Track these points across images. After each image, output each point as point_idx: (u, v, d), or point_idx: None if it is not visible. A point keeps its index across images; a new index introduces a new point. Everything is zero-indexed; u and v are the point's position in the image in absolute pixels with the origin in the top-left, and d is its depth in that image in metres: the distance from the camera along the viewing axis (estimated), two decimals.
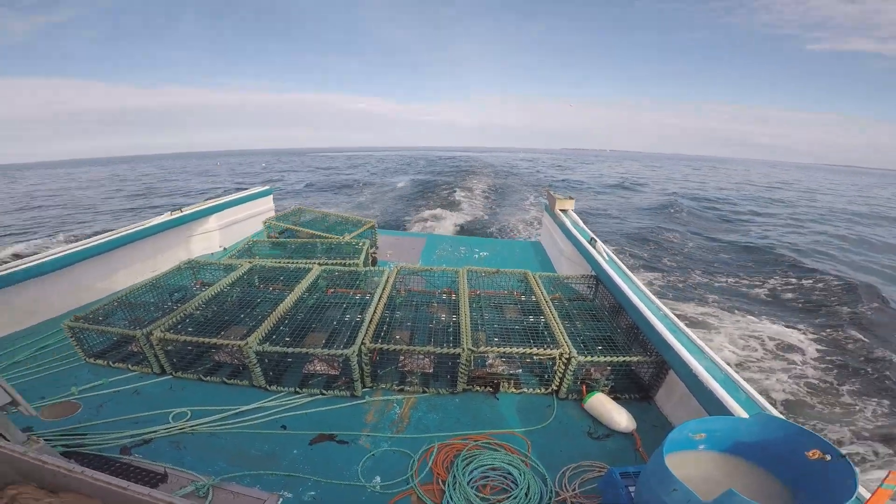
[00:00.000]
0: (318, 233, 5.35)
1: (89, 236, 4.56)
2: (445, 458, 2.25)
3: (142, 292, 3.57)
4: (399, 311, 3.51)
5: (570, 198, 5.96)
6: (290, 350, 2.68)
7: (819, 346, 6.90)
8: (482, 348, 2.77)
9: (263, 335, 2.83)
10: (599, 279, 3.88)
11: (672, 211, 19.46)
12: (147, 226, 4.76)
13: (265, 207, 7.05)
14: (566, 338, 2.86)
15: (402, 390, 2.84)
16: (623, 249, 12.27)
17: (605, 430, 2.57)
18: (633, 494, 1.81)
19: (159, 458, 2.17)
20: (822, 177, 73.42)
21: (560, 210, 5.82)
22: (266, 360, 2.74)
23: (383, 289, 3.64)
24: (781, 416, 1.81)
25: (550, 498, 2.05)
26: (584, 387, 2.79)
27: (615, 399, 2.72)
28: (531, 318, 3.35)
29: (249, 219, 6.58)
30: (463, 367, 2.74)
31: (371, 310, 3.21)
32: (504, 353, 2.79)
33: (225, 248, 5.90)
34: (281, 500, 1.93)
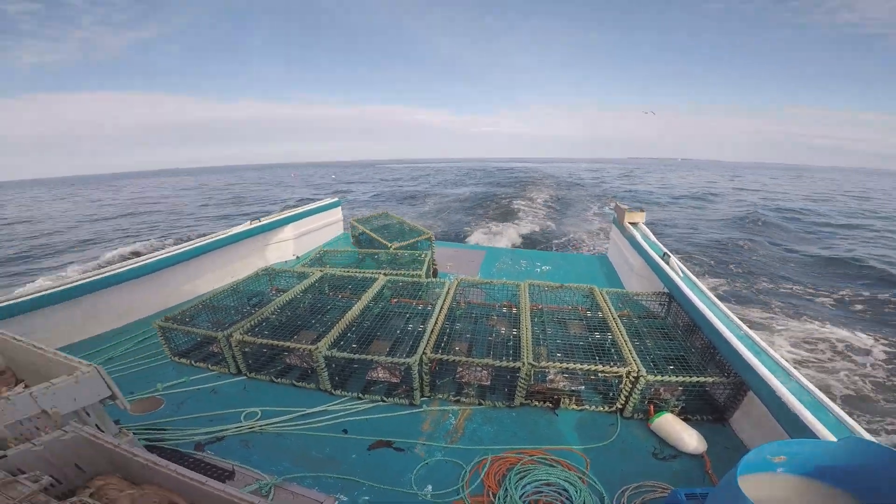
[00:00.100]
0: (386, 242, 5.55)
1: (194, 238, 5.09)
2: (498, 470, 2.22)
3: (223, 296, 3.86)
4: (459, 323, 3.53)
5: (641, 210, 5.66)
6: (356, 356, 2.79)
7: (888, 349, 6.40)
8: (543, 363, 2.70)
9: (332, 341, 2.97)
10: (672, 296, 3.65)
11: (748, 222, 17.86)
12: (229, 234, 5.17)
13: (334, 218, 7.49)
14: (635, 356, 2.73)
15: (458, 401, 2.84)
16: (691, 257, 11.59)
17: (672, 450, 2.39)
18: None
19: (229, 456, 2.29)
20: None
21: (629, 223, 5.55)
22: (333, 365, 2.87)
23: (444, 300, 3.69)
24: (877, 441, 1.58)
25: None
26: (652, 406, 2.64)
27: (685, 420, 2.53)
28: (597, 335, 3.22)
29: (320, 229, 7.00)
30: (522, 381, 2.69)
31: (432, 320, 3.26)
32: (566, 368, 2.70)
33: (298, 257, 6.30)
34: (337, 503, 2.00)
